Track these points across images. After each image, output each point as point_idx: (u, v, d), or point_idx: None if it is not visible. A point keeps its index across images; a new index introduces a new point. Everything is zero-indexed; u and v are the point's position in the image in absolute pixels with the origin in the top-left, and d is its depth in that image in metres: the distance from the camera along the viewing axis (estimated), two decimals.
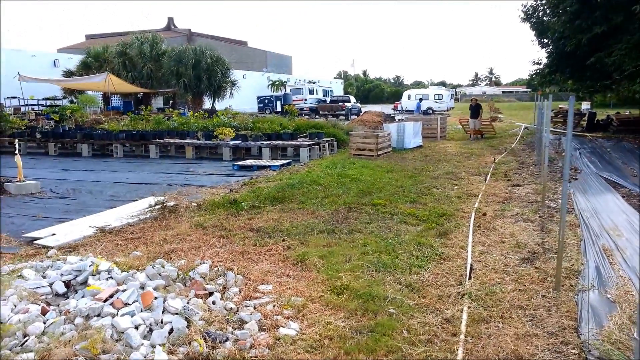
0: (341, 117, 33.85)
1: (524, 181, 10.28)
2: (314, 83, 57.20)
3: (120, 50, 30.71)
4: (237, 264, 4.92)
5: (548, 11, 19.16)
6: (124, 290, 3.85)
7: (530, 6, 19.97)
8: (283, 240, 5.77)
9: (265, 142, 14.80)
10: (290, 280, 4.57)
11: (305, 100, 47.27)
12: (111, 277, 4.04)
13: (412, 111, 36.91)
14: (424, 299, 4.14)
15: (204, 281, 4.23)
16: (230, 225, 6.43)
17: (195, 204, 7.64)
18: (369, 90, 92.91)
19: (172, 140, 16.03)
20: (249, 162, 13.21)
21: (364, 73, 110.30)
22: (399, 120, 23.56)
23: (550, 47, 19.67)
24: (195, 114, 18.65)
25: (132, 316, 3.56)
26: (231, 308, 3.74)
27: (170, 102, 32.81)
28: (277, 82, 56.99)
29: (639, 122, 20.86)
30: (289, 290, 4.28)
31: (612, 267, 4.90)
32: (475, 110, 19.90)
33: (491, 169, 11.70)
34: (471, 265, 4.81)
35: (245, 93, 45.74)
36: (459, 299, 4.15)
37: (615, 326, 3.58)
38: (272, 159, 14.24)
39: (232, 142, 15.05)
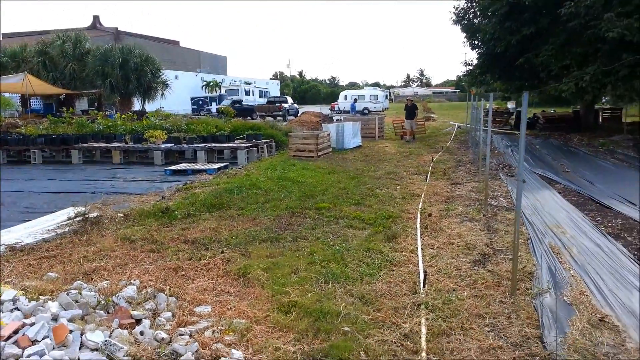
0: (278, 118, 33.41)
1: (463, 179, 10.36)
2: (249, 84, 56.23)
3: (40, 49, 28.49)
4: (170, 282, 4.37)
5: (479, 13, 19.76)
6: (32, 325, 3.22)
7: (461, 8, 20.53)
8: (222, 252, 5.26)
9: (200, 145, 14.07)
10: (232, 298, 4.09)
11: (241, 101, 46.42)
12: (17, 309, 3.38)
13: (349, 111, 37.13)
14: (379, 312, 3.82)
15: (130, 307, 3.67)
16: (162, 238, 5.82)
17: (122, 215, 6.92)
18: (305, 90, 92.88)
19: (96, 145, 14.87)
20: (182, 166, 12.46)
21: (300, 74, 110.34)
22: (337, 120, 23.46)
23: (481, 48, 20.30)
24: (123, 116, 17.47)
25: (41, 356, 2.96)
26: (162, 338, 3.22)
27: (96, 103, 30.81)
28: (211, 83, 55.54)
29: (562, 119, 22.07)
30: (231, 311, 3.81)
31: (562, 266, 4.84)
32: (411, 111, 19.26)
33: (431, 168, 11.73)
34: (425, 271, 4.56)
35: (178, 94, 44.05)
36: (416, 310, 3.87)
37: (577, 332, 3.43)
38: (208, 163, 13.54)
39: (164, 146, 14.18)
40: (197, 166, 12.31)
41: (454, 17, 20.80)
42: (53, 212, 7.55)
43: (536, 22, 16.11)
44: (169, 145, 14.24)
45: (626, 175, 10.56)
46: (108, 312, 3.62)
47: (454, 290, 4.28)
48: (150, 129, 15.19)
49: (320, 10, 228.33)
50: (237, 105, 34.40)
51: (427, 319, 3.69)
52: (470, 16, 20.35)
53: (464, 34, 20.86)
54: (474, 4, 19.97)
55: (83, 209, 6.97)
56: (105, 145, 14.81)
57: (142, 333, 3.21)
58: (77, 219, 6.61)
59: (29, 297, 3.52)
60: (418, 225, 6.35)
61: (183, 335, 3.30)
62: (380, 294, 4.20)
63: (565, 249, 5.42)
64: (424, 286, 4.33)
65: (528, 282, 4.45)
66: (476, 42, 20.40)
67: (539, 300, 4.04)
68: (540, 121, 22.53)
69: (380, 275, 4.63)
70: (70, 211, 6.94)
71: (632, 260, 4.93)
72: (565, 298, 4.08)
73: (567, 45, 15.62)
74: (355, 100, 35.93)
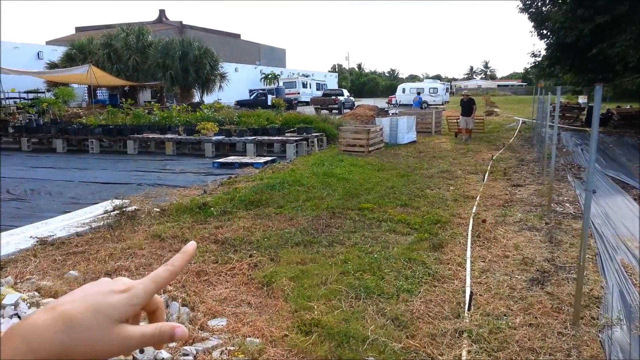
0: (334, 111, 33.01)
1: (525, 181, 9.48)
2: (307, 76, 56.21)
3: (105, 42, 29.66)
4: (189, 288, 4.09)
5: (547, 0, 18.32)
6: None
7: None
8: (250, 256, 4.93)
9: (250, 138, 13.92)
10: (251, 311, 3.74)
11: (299, 93, 46.42)
12: (17, 315, 3.19)
13: (410, 105, 35.99)
14: (412, 339, 3.32)
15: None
16: (193, 236, 5.59)
17: (159, 209, 6.78)
18: (363, 83, 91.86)
19: (151, 136, 15.12)
20: (230, 159, 12.35)
21: (359, 66, 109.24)
22: (392, 114, 22.72)
23: (550, 38, 18.86)
24: (178, 108, 17.71)
25: None
26: (163, 359, 2.90)
27: (158, 95, 31.79)
28: (269, 76, 56.01)
29: None
30: (246, 326, 3.45)
31: (637, 290, 4.10)
32: (468, 107, 16.97)
33: (489, 167, 10.89)
34: (471, 292, 3.99)
35: (237, 86, 44.79)
36: (457, 339, 3.34)
37: None
38: (257, 156, 13.38)
39: (214, 138, 14.17)
40: (245, 159, 12.15)
41: (521, 5, 19.43)
42: (96, 203, 7.58)
43: (612, 9, 14.63)
44: (220, 137, 14.20)
45: None
46: None
47: (504, 315, 3.69)
48: (203, 121, 15.25)
49: (381, 3, 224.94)
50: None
51: (468, 352, 3.15)
52: (539, 3, 18.92)
53: (532, 23, 19.45)
54: None
55: (122, 201, 6.91)
56: (160, 136, 15.02)
57: (141, 351, 2.91)
58: (114, 212, 6.53)
59: (29, 303, 3.32)
60: (469, 233, 5.73)
61: (188, 355, 2.97)
62: (417, 316, 3.69)
63: None
64: (469, 309, 3.77)
65: (594, 309, 3.78)
66: (545, 31, 18.96)
67: (606, 334, 3.38)
68: (614, 117, 20.68)
69: (419, 292, 4.11)
70: (108, 204, 6.89)
71: None
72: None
73: None
74: (419, 93, 34.51)
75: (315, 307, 3.77)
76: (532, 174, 10.14)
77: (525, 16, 19.52)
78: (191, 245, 0.63)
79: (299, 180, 8.78)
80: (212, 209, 6.70)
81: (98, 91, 33.86)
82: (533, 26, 19.49)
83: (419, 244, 5.35)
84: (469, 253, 5.05)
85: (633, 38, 14.09)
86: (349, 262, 4.77)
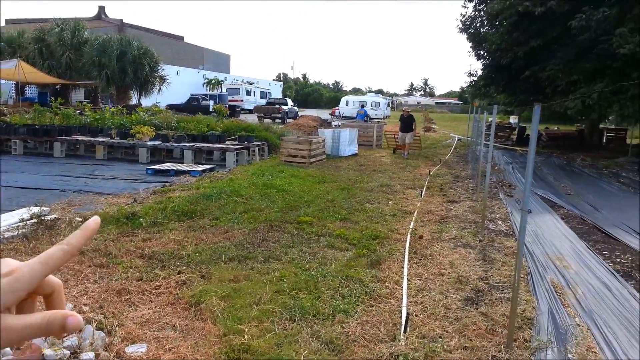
0: (277, 120, 32.81)
1: (460, 197, 9.72)
2: (251, 84, 55.67)
3: (37, 36, 27.88)
4: (107, 309, 3.73)
5: (486, 22, 19.18)
6: None
7: (468, 16, 19.95)
8: (179, 273, 4.61)
9: (188, 144, 13.42)
10: (175, 335, 3.45)
11: (242, 101, 45.83)
12: None
13: (354, 117, 36.39)
14: None
15: (46, 343, 3.03)
16: (117, 250, 5.18)
17: (81, 219, 6.26)
18: (308, 94, 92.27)
19: (81, 138, 14.22)
20: (166, 165, 11.81)
21: (304, 77, 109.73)
22: (335, 126, 22.86)
23: (486, 59, 19.73)
24: (112, 109, 16.83)
25: None
26: None
27: (92, 95, 30.20)
28: (213, 81, 54.96)
29: (566, 137, 21.48)
30: (168, 354, 3.16)
31: (567, 311, 4.21)
32: (408, 123, 16.66)
33: (427, 182, 11.10)
34: (407, 313, 3.92)
35: (178, 90, 43.46)
36: None
37: None
38: (196, 163, 12.91)
39: (150, 143, 13.53)
40: (182, 167, 11.67)
41: (461, 25, 20.24)
42: (12, 210, 6.91)
43: (545, 34, 15.51)
44: (156, 142, 13.60)
45: (632, 202, 9.93)
46: (18, 349, 2.97)
47: (440, 337, 3.64)
48: (139, 125, 14.54)
49: (326, 13, 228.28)
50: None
51: None
52: (477, 25, 19.78)
53: (470, 44, 20.30)
54: (482, 12, 19.38)
55: (40, 209, 6.33)
56: (90, 139, 14.16)
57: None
58: (31, 221, 5.96)
59: None
60: (407, 250, 5.71)
61: None
62: (353, 339, 3.56)
63: (569, 288, 4.78)
64: (405, 331, 3.69)
65: (527, 330, 3.81)
66: (482, 52, 19.83)
67: (538, 357, 3.40)
68: (543, 138, 21.93)
69: (356, 313, 3.99)
70: (25, 212, 6.28)
71: None
72: (570, 355, 3.44)
73: (575, 60, 15.02)
74: (362, 106, 34.78)
75: (246, 330, 3.54)
76: (466, 191, 10.42)
77: (464, 36, 20.35)
78: (93, 220, 0.56)
79: (237, 191, 8.49)
80: (141, 219, 6.29)
81: (27, 88, 31.73)
82: (471, 46, 20.33)
83: (357, 261, 5.26)
84: (405, 271, 5.00)
85: (562, 63, 14.96)
86: (285, 280, 4.58)
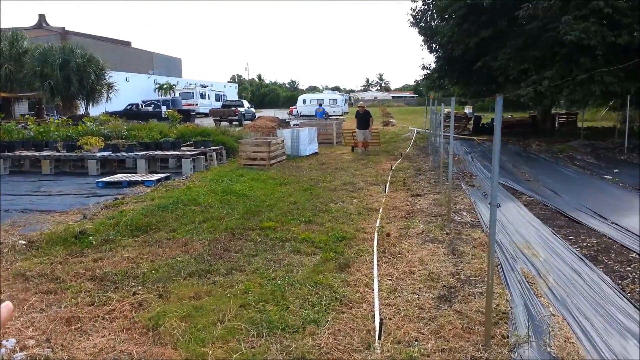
0: (234, 123, 32.23)
1: (424, 190, 9.68)
2: (205, 87, 54.61)
3: None
4: (56, 341, 3.37)
5: (436, 15, 19.39)
6: None
7: (419, 10, 20.12)
8: (134, 294, 4.26)
9: (140, 153, 12.84)
10: None
11: (197, 105, 44.81)
12: None
13: (313, 116, 36.15)
14: None
15: None
16: (66, 273, 4.76)
17: (25, 242, 5.77)
18: (264, 94, 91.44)
19: (24, 153, 13.39)
20: (118, 177, 11.24)
21: (259, 77, 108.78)
22: (294, 125, 22.61)
23: (439, 51, 19.96)
24: (57, 121, 15.97)
25: None
26: None
27: (36, 107, 28.71)
28: (164, 85, 53.57)
29: (520, 124, 22.02)
30: None
31: (540, 301, 4.13)
32: (364, 119, 16.23)
33: (389, 178, 11.03)
34: (381, 318, 3.73)
35: (128, 96, 42.03)
36: None
37: None
38: (150, 173, 12.37)
39: (99, 154, 12.88)
40: (135, 177, 11.13)
41: (412, 20, 20.39)
42: None
43: (494, 24, 15.81)
44: (106, 153, 12.95)
45: (590, 184, 10.19)
46: None
47: (416, 341, 3.47)
48: (86, 135, 13.82)
49: (278, 13, 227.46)
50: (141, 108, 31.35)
51: None
52: (428, 18, 19.99)
53: (422, 37, 20.48)
54: (432, 5, 19.59)
55: None
56: (34, 153, 13.35)
57: None
58: None
59: None
60: (375, 250, 5.54)
61: None
62: (326, 351, 3.34)
63: (540, 277, 4.73)
64: (379, 337, 3.50)
65: (503, 325, 3.70)
66: (434, 45, 20.06)
67: (518, 354, 3.28)
68: None
69: (327, 322, 3.77)
70: None
71: (617, 292, 4.28)
72: (549, 349, 3.34)
73: (525, 48, 15.39)
74: (320, 104, 34.39)
75: (210, 352, 3.26)
76: (429, 183, 10.41)
77: (416, 30, 20.51)
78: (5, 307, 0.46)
79: (195, 199, 8.12)
80: (91, 237, 5.86)
81: None
82: (423, 40, 20.52)
83: (325, 265, 5.04)
84: (375, 272, 4.83)
85: (512, 52, 15.28)
86: (250, 292, 4.31)
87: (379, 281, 4.62)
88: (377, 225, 6.76)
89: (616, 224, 6.56)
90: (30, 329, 3.62)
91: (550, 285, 4.48)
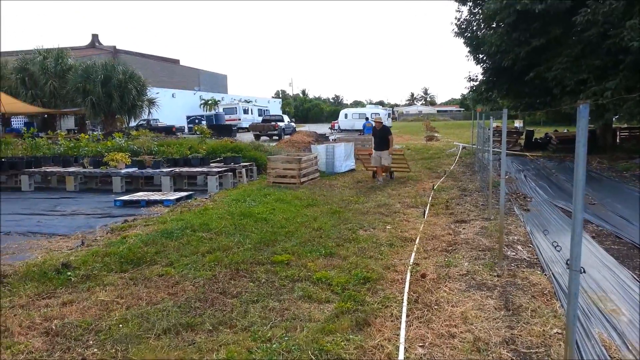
0: (274, 137, 31.70)
1: (470, 215, 8.41)
2: (249, 102, 54.96)
3: (20, 66, 27.02)
4: None
5: (482, 24, 18.00)
6: None
7: (464, 19, 18.79)
8: None
9: (165, 170, 12.22)
10: None
11: (239, 120, 44.90)
12: None
13: (356, 130, 35.07)
14: None
15: None
16: (18, 324, 3.89)
17: (3, 277, 5.01)
18: (308, 109, 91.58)
19: (50, 169, 13.07)
20: (138, 195, 10.60)
21: (303, 92, 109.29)
22: (332, 140, 21.64)
23: (486, 62, 18.50)
24: (86, 137, 15.73)
25: None
26: None
27: (79, 123, 29.25)
28: (209, 101, 54.32)
29: None
30: None
31: None
32: (383, 137, 12.50)
33: (430, 199, 9.80)
34: None
35: (175, 112, 42.78)
36: None
37: None
38: (176, 190, 11.73)
39: (124, 171, 12.36)
40: (155, 196, 10.43)
41: (456, 29, 19.06)
42: None
43: (547, 32, 14.31)
44: (131, 170, 12.41)
45: None
46: None
47: None
48: (114, 151, 13.39)
49: (323, 28, 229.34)
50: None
51: None
52: (474, 27, 18.58)
53: (468, 48, 19.08)
54: (478, 14, 18.23)
55: None
56: (60, 170, 13.01)
57: None
58: None
59: None
60: (405, 300, 4.39)
61: None
62: None
63: (628, 349, 3.45)
64: None
65: None
66: (481, 55, 18.59)
67: None
68: (553, 141, 20.59)
69: None
70: None
71: None
72: None
73: (583, 57, 13.79)
74: (367, 119, 33.02)
75: None
76: (476, 207, 9.11)
77: (461, 41, 19.15)
78: None
79: (207, 224, 7.24)
80: (71, 273, 5.02)
81: (12, 119, 30.90)
82: (469, 51, 19.11)
83: (338, 321, 3.94)
84: (402, 335, 3.69)
85: (569, 61, 13.74)
86: None
87: (406, 349, 3.48)
88: (411, 261, 5.60)
89: None
90: None
91: None
